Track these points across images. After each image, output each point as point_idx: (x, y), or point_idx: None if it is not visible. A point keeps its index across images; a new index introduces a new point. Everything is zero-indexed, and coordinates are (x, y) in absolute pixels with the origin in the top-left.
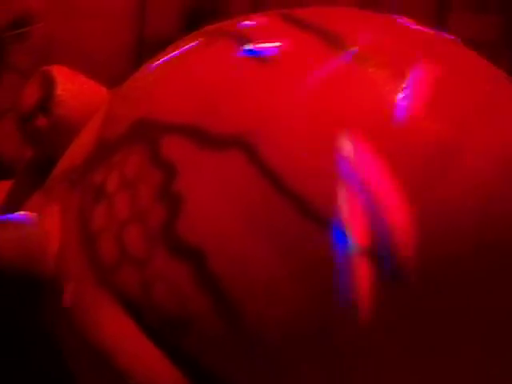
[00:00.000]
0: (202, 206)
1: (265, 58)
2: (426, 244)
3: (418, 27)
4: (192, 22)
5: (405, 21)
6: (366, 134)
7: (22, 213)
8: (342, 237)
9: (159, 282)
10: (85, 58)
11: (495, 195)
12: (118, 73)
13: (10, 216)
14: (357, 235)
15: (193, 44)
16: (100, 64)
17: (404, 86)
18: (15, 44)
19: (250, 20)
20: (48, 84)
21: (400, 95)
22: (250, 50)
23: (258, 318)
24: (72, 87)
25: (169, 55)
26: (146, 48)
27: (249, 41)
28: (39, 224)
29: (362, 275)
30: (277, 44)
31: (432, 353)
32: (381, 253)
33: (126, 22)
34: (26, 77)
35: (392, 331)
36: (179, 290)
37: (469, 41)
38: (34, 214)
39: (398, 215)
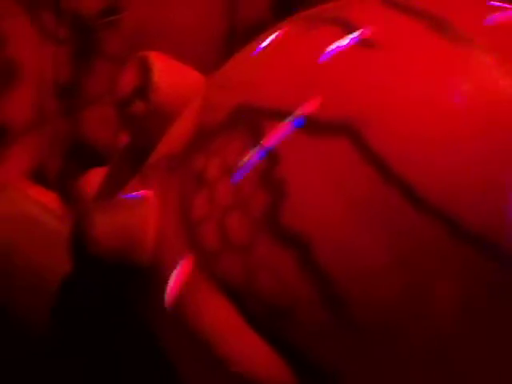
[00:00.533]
0: (306, 192)
1: (370, 44)
2: None
3: None
4: (282, 9)
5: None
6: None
7: (119, 199)
8: (450, 225)
9: (263, 270)
10: (176, 46)
11: None
12: (208, 60)
13: (107, 202)
14: (470, 226)
15: (291, 30)
16: (191, 51)
17: None
18: (107, 32)
19: (350, 6)
20: (145, 70)
21: None
22: (354, 36)
23: (364, 306)
24: (169, 74)
25: (267, 41)
26: (237, 35)
27: (352, 26)
28: (137, 211)
29: (469, 266)
30: (381, 29)
31: None
32: (490, 241)
33: (217, 9)
34: (119, 64)
35: (496, 320)
36: (283, 277)
37: None
38: (132, 200)
39: None
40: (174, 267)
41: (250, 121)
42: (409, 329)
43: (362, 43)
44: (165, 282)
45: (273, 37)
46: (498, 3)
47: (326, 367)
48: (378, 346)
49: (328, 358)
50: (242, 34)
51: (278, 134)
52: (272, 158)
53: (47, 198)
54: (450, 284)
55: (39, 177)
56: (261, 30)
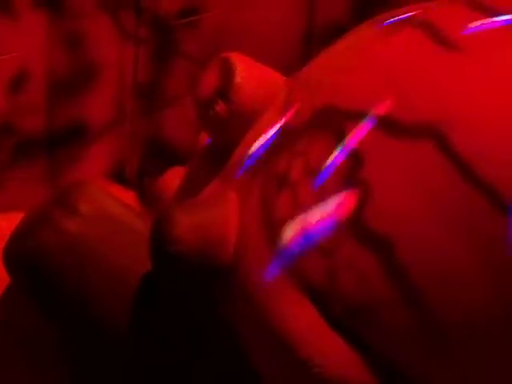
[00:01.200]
0: (389, 195)
1: (455, 47)
2: None
3: None
4: (361, 10)
5: None
6: None
7: (200, 199)
8: None
9: (346, 271)
10: (255, 47)
11: None
12: (288, 61)
13: (188, 202)
14: None
15: (373, 32)
16: (270, 53)
17: None
18: (186, 32)
19: (434, 8)
20: (227, 71)
21: None
22: (441, 38)
23: (447, 308)
24: (251, 75)
25: (347, 43)
26: (316, 36)
27: (436, 29)
28: (218, 210)
29: None
30: (466, 32)
31: None
32: None
33: (296, 10)
34: (198, 64)
35: None
36: (367, 279)
37: None
38: (213, 200)
39: None
40: (256, 268)
41: (334, 122)
42: (495, 332)
43: (445, 46)
44: (246, 282)
45: (355, 39)
46: None
47: (407, 370)
48: (462, 349)
49: (410, 361)
50: (320, 36)
51: (361, 136)
52: (355, 159)
53: (126, 197)
54: None
55: (118, 176)
56: (339, 31)
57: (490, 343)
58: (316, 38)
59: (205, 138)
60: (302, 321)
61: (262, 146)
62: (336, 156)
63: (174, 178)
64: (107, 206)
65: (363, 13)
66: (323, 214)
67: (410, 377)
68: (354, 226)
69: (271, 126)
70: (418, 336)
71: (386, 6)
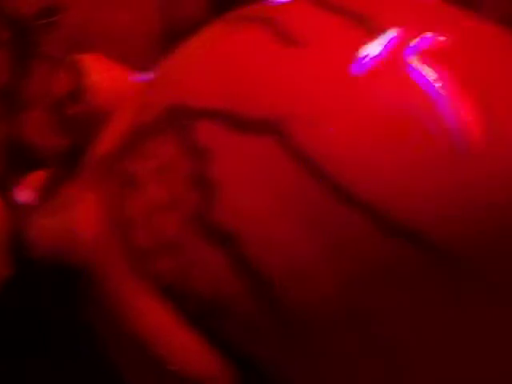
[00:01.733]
0: (236, 191)
1: (298, 43)
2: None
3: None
4: (220, 7)
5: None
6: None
7: (56, 201)
8: (378, 218)
9: (196, 268)
10: (115, 47)
11: None
12: (148, 60)
13: (46, 205)
14: (398, 219)
15: (221, 30)
16: (130, 52)
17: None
18: (45, 33)
19: (280, 4)
20: (78, 72)
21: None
22: (283, 35)
23: (295, 299)
24: (102, 76)
25: (197, 41)
26: (176, 34)
27: (281, 25)
28: (73, 212)
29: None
30: (309, 28)
31: None
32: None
33: (156, 9)
34: (58, 66)
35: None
36: (216, 274)
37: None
38: (69, 202)
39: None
40: (111, 268)
41: (181, 121)
42: (339, 321)
43: (288, 42)
44: (102, 282)
45: (204, 37)
46: None
47: (264, 362)
48: (313, 339)
49: (265, 354)
50: (181, 33)
51: (208, 134)
52: (202, 157)
53: None
54: (384, 276)
55: None
56: (199, 28)
57: (336, 332)
58: (176, 36)
59: (63, 140)
60: (156, 319)
61: (115, 145)
62: (183, 155)
63: (34, 182)
64: None
65: (222, 9)
66: (171, 212)
67: (266, 369)
68: (201, 222)
69: (125, 125)
70: (271, 327)
71: (245, 2)
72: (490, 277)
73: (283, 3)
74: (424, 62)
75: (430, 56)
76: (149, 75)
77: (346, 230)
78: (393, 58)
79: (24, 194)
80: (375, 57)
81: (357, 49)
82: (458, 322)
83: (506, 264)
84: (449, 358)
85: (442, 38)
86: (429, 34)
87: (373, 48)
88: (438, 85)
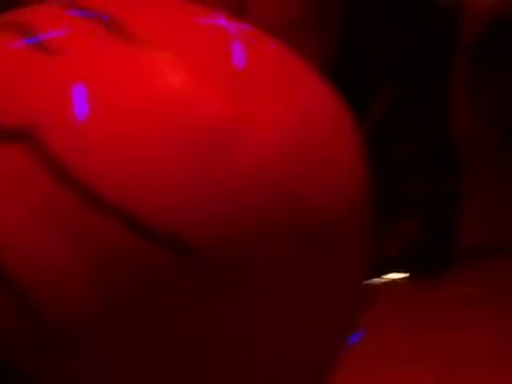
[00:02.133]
0: None
1: (48, 49)
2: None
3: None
4: None
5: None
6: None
7: None
8: (128, 220)
9: None
10: None
11: (281, 168)
12: None
13: None
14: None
15: None
16: None
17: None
18: None
19: (31, 10)
20: None
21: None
22: (32, 41)
23: (54, 309)
24: None
25: None
26: None
27: (30, 31)
28: None
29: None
30: (60, 34)
31: None
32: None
33: None
34: None
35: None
36: None
37: (285, 23)
38: None
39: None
40: None
41: None
42: (104, 327)
43: (38, 48)
44: None
45: None
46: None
47: (26, 367)
48: (73, 346)
49: (27, 359)
50: None
51: None
52: None
53: None
54: (146, 280)
55: None
56: None
57: (96, 338)
58: None
59: None
60: None
61: None
62: None
63: None
64: None
65: None
66: None
67: (28, 372)
68: None
69: None
70: (30, 335)
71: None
72: (247, 275)
73: (36, 10)
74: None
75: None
76: None
77: (103, 237)
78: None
79: None
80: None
81: (107, 56)
82: (213, 318)
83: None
84: (207, 352)
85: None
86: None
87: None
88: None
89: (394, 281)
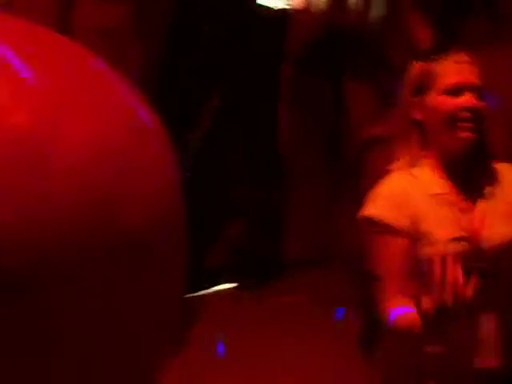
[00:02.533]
0: None
1: None
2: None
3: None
4: None
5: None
6: None
7: None
8: None
9: None
10: None
11: (92, 171)
12: None
13: None
14: None
15: None
16: None
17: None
18: None
19: None
20: None
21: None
22: None
23: None
24: None
25: None
26: None
27: None
28: None
29: None
30: None
31: None
32: None
33: None
34: None
35: None
36: None
37: (103, 30)
38: None
39: None
40: None
41: None
42: None
43: None
44: None
45: None
46: None
47: None
48: None
49: None
50: None
51: None
52: None
53: None
54: None
55: None
56: None
57: None
58: None
59: None
60: None
61: None
62: None
63: None
64: None
65: None
66: None
67: None
68: None
69: None
70: None
71: None
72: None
73: None
74: None
75: None
76: None
77: None
78: None
79: None
80: None
81: None
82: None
83: None
84: None
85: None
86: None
87: None
88: None
89: (222, 291)
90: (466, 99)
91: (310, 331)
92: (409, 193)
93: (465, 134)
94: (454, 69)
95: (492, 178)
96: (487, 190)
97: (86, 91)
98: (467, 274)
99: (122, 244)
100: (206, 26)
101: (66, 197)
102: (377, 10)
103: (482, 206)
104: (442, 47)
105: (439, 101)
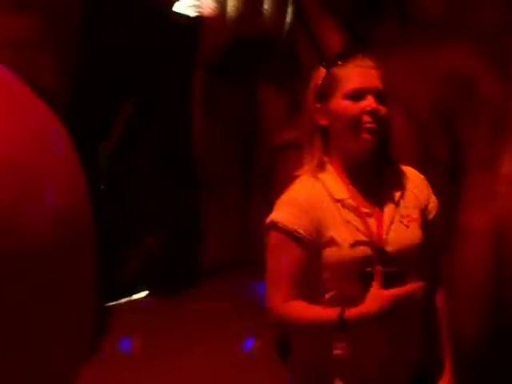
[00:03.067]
0: None
1: None
2: None
3: None
4: None
5: None
6: None
7: None
8: None
9: None
10: None
11: None
12: None
13: None
14: None
15: None
16: None
17: None
18: None
19: None
20: None
21: None
22: None
23: None
24: None
25: None
26: None
27: None
28: None
29: None
30: None
31: None
32: None
33: None
34: None
35: None
36: None
37: (9, 41)
38: None
39: None
40: None
41: None
42: None
43: None
44: None
45: None
46: None
47: None
48: None
49: None
50: None
51: None
52: None
53: None
54: None
55: None
56: None
57: None
58: None
59: None
60: None
61: None
62: None
63: None
64: None
65: None
66: None
67: None
68: None
69: None
70: None
71: None
72: None
73: None
74: None
75: None
76: None
77: None
78: None
79: None
80: None
81: None
82: None
83: None
84: None
85: None
86: None
87: None
88: None
89: (138, 299)
90: (368, 103)
91: (222, 337)
92: (313, 198)
93: (366, 136)
94: (356, 73)
95: (397, 182)
96: (392, 194)
97: None
98: (370, 277)
99: (25, 255)
100: (118, 33)
101: None
102: (288, 16)
103: (387, 210)
104: (349, 51)
105: (342, 106)
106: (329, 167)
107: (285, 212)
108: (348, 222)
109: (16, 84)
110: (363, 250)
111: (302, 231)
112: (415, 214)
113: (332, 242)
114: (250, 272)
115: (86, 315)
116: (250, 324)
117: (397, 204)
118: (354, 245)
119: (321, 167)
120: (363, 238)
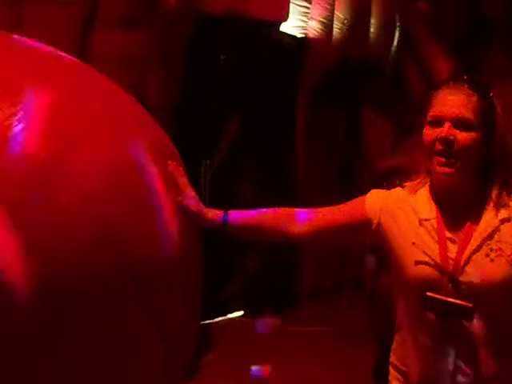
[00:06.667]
0: None
1: None
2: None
3: (38, 48)
4: None
5: (24, 42)
6: None
7: None
8: None
9: None
10: None
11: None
12: None
13: None
14: None
15: None
16: None
17: (17, 113)
18: None
19: None
20: None
21: (14, 123)
22: None
23: None
24: None
25: None
26: None
27: None
28: None
29: None
30: None
31: None
32: None
33: None
34: None
35: None
36: None
37: (119, 57)
38: None
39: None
40: None
41: None
42: None
43: None
44: None
45: None
46: None
47: None
48: None
49: None
50: None
51: None
52: None
53: None
54: None
55: None
56: None
57: None
58: None
59: None
60: None
61: None
62: None
63: None
64: None
65: None
66: None
67: None
68: None
69: None
70: None
71: None
72: None
73: None
74: None
75: None
76: None
77: None
78: None
79: None
80: None
81: None
82: None
83: None
84: None
85: None
86: None
87: None
88: None
89: (238, 319)
90: (441, 130)
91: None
92: (399, 202)
93: (439, 168)
94: (441, 100)
95: (500, 214)
96: (488, 224)
97: (100, 117)
98: (428, 301)
99: (131, 275)
100: (225, 54)
101: (75, 227)
102: (395, 41)
103: (474, 239)
104: (457, 78)
105: (424, 132)
106: (426, 187)
107: (374, 192)
108: (423, 241)
109: (127, 100)
110: (425, 271)
111: (370, 210)
112: (509, 251)
113: (396, 254)
114: (348, 296)
115: (191, 334)
116: (347, 348)
117: (490, 236)
118: (417, 263)
119: (421, 185)
120: (426, 259)
